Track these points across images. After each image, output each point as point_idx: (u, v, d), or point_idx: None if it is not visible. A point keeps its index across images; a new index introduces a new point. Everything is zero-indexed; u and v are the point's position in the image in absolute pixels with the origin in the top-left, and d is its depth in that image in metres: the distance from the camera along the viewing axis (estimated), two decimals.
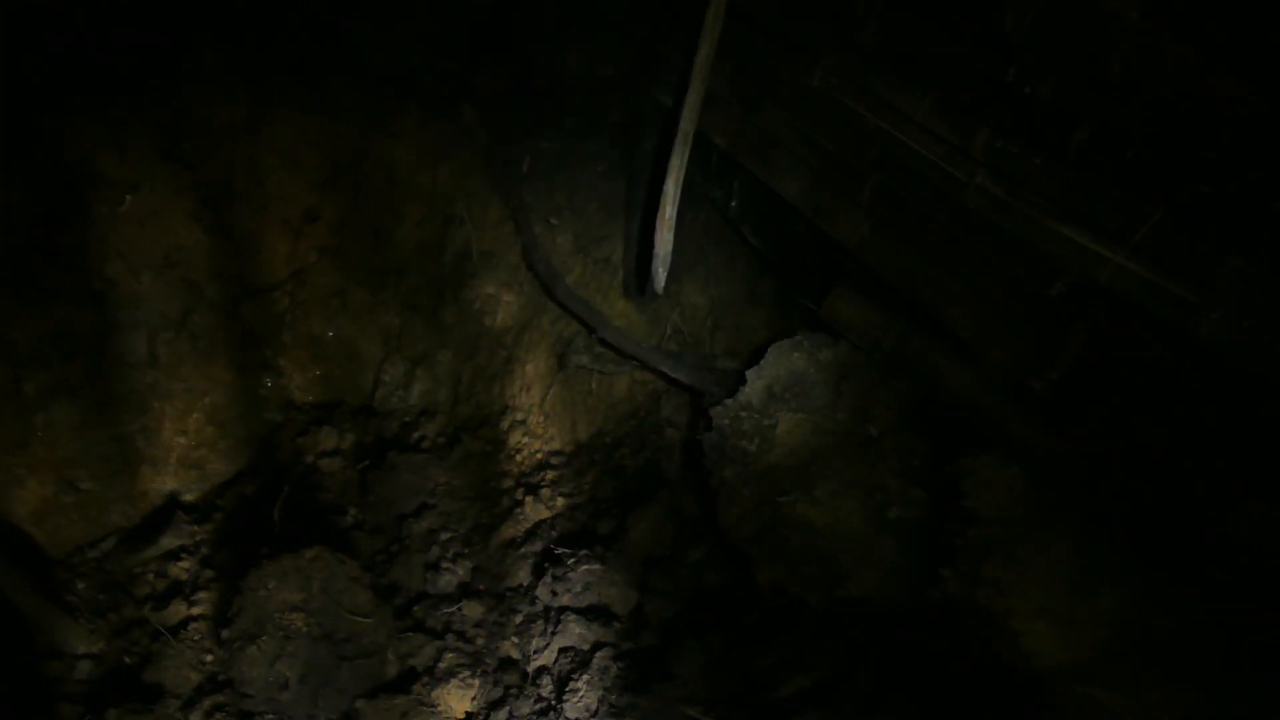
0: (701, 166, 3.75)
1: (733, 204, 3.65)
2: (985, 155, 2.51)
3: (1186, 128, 2.13)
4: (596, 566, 3.70)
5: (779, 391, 3.06)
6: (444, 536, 4.11)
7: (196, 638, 3.69)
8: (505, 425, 4.48)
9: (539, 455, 4.35)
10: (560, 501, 4.13)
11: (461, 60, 4.47)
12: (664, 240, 3.04)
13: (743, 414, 3.09)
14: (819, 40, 2.92)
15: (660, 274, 3.07)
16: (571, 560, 3.71)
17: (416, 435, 4.50)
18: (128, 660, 3.56)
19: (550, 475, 4.22)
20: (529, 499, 4.12)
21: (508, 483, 4.28)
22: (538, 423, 4.38)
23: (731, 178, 3.58)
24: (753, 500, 2.96)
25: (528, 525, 4.06)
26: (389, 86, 4.55)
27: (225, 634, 3.55)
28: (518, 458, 4.35)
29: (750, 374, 3.18)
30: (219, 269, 4.42)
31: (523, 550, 3.98)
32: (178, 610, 3.72)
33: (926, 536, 2.70)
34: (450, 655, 3.67)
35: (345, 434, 4.49)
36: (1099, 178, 2.28)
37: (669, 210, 2.99)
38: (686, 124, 2.97)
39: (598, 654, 3.62)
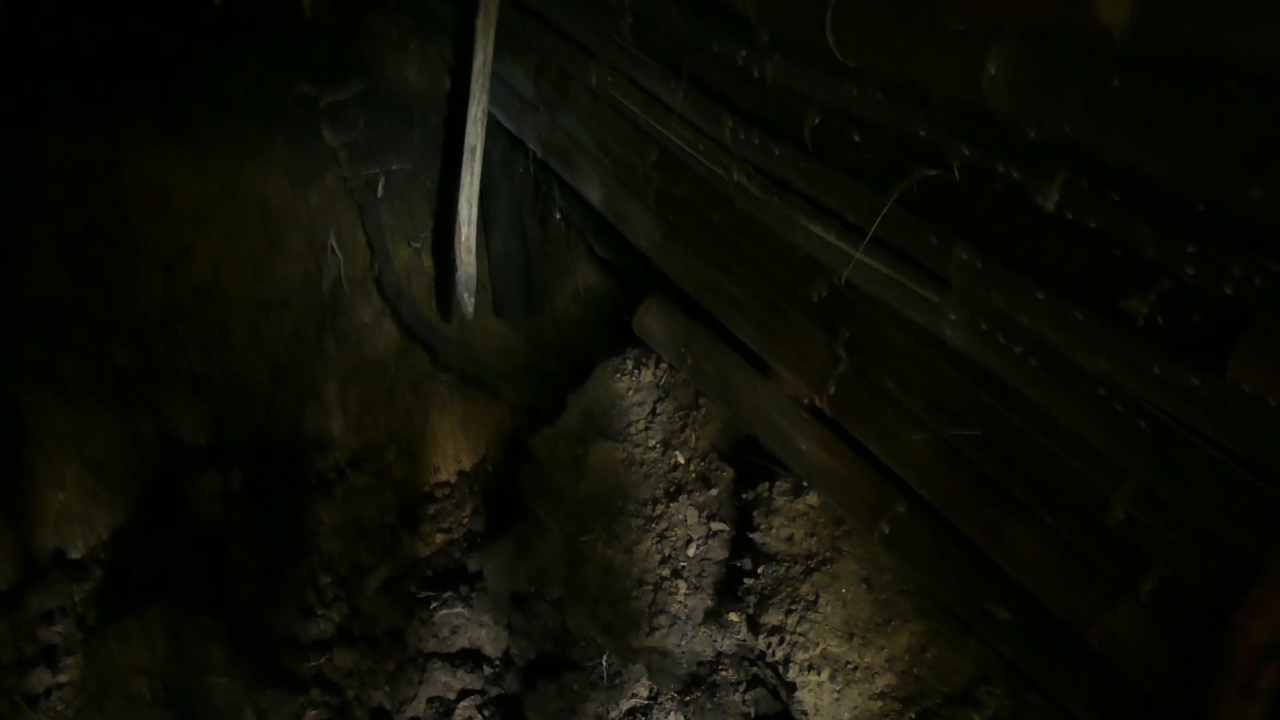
0: (544, 174, 3.52)
1: (572, 213, 3.41)
2: (735, 146, 2.23)
3: (906, 105, 1.83)
4: (460, 609, 3.50)
5: (597, 416, 2.81)
6: (323, 580, 3.94)
7: (60, 707, 3.59)
8: (390, 457, 4.31)
9: (424, 487, 4.17)
10: (439, 537, 3.94)
11: (318, 82, 4.31)
12: (465, 263, 2.82)
13: (560, 442, 2.85)
14: (591, 34, 2.66)
15: (466, 299, 2.85)
16: (434, 604, 3.51)
17: (305, 471, 4.34)
18: None
19: (432, 509, 4.03)
20: (407, 535, 3.93)
21: (390, 518, 4.10)
22: (422, 453, 4.20)
23: (561, 185, 3.34)
24: (561, 538, 2.72)
25: (406, 564, 3.87)
26: (253, 115, 4.41)
27: (78, 703, 3.45)
28: (402, 491, 4.18)
29: (571, 398, 2.94)
30: (87, 313, 4.31)
31: (398, 591, 3.80)
32: (41, 679, 3.62)
33: (725, 576, 2.44)
34: (314, 711, 3.50)
35: (233, 475, 4.35)
36: (834, 166, 1.98)
37: (465, 231, 2.77)
38: (472, 138, 2.74)
39: (462, 703, 3.43)
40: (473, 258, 2.79)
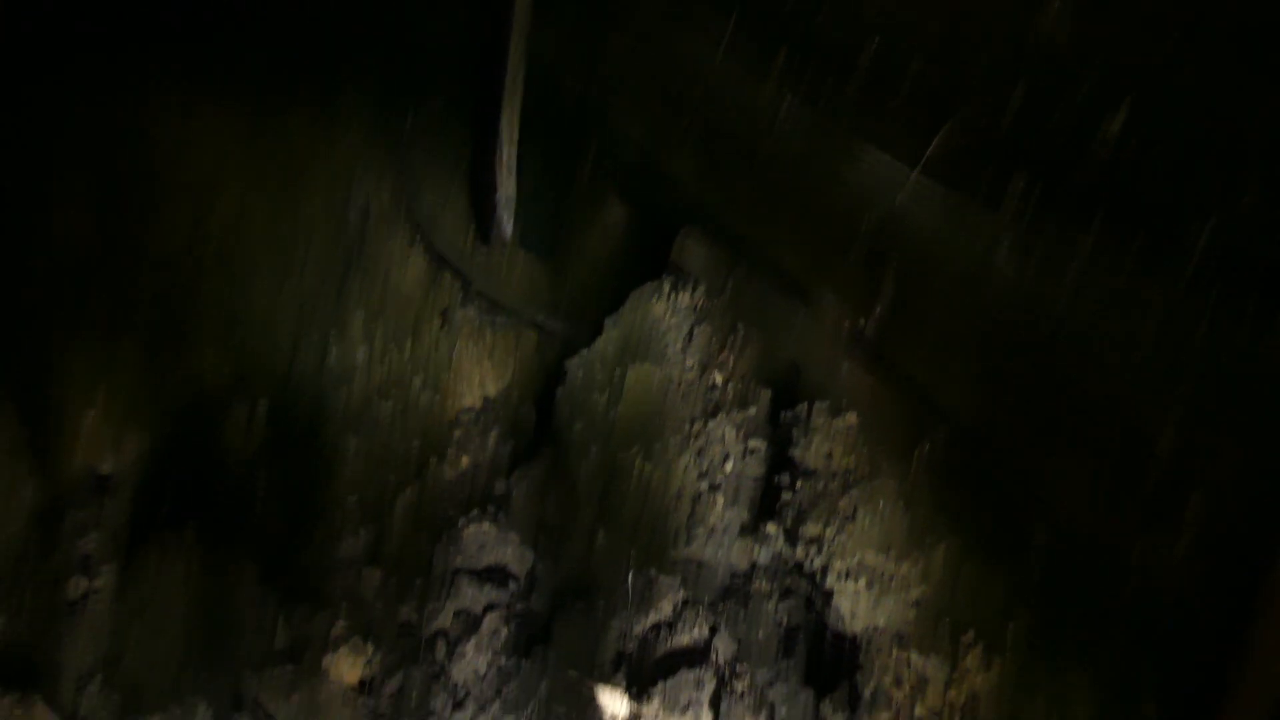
0: (576, 108, 3.53)
1: (606, 146, 3.43)
2: (788, 76, 2.27)
3: (970, 33, 1.87)
4: (487, 526, 3.60)
5: (634, 339, 2.88)
6: (350, 502, 4.04)
7: (98, 610, 3.69)
8: (417, 384, 4.38)
9: (449, 415, 4.25)
10: (465, 460, 4.03)
11: (351, 20, 4.30)
12: (505, 184, 2.87)
13: (597, 364, 2.93)
14: None
15: (505, 220, 2.90)
16: (462, 522, 3.62)
17: (332, 402, 4.41)
18: (27, 638, 3.56)
19: (458, 434, 4.11)
20: (434, 460, 4.02)
21: (416, 443, 4.18)
22: (448, 380, 4.27)
23: (598, 120, 3.36)
24: (598, 457, 2.81)
25: (433, 487, 3.96)
26: (281, 49, 4.41)
27: (116, 611, 3.55)
28: (428, 418, 4.25)
29: (608, 322, 3.02)
30: (116, 246, 4.34)
31: (426, 513, 3.90)
32: (79, 585, 3.71)
33: (762, 492, 2.53)
34: (343, 623, 3.62)
35: (259, 403, 4.41)
36: (892, 95, 2.03)
37: (507, 151, 2.82)
38: (515, 58, 2.77)
39: (489, 616, 3.53)
40: (514, 179, 2.84)
